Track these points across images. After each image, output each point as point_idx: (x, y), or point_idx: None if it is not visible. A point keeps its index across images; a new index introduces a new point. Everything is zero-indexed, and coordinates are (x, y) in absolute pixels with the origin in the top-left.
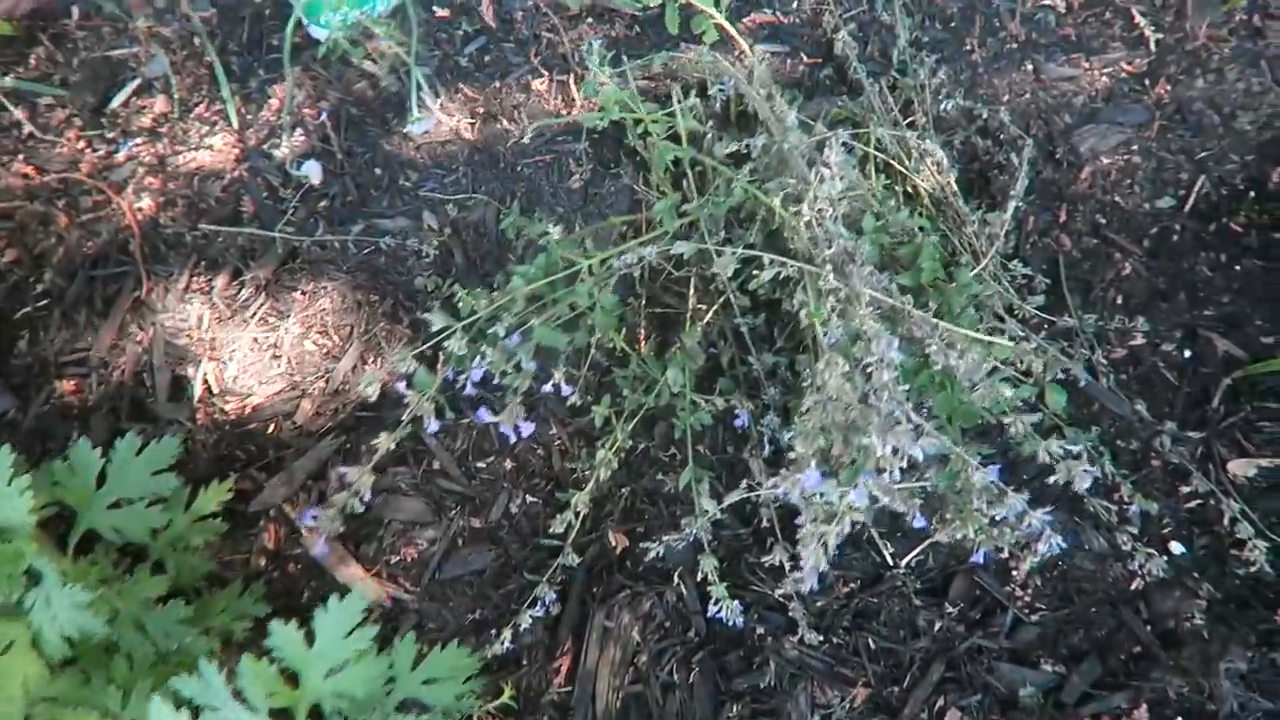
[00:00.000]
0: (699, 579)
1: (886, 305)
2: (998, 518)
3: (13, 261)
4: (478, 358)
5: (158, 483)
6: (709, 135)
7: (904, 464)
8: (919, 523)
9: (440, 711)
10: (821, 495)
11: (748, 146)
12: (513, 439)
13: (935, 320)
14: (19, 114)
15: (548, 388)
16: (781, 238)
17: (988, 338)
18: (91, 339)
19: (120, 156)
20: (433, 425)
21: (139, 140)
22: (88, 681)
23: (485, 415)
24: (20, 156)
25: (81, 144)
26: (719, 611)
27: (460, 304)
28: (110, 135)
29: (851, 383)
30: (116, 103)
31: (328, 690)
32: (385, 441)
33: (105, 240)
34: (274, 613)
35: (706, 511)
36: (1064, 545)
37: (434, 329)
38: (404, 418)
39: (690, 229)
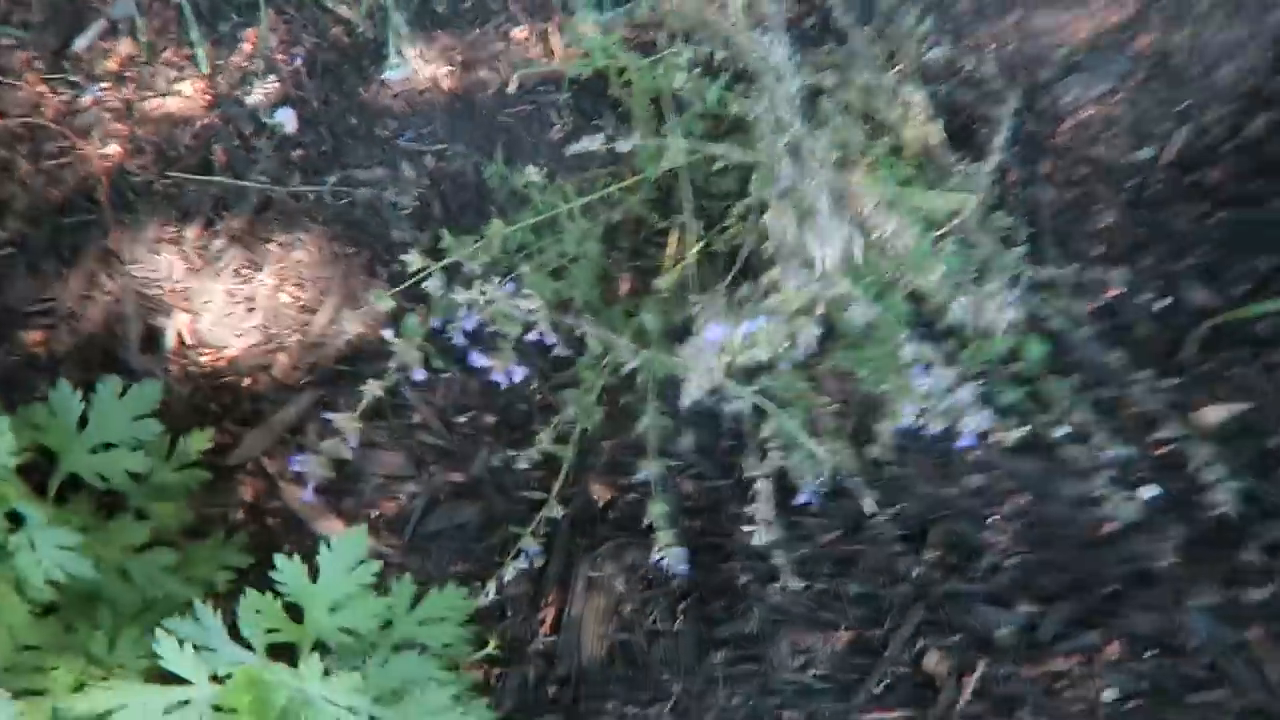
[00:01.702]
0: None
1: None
2: (926, 390)
3: None
4: (469, 307)
5: (139, 428)
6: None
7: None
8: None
9: (435, 653)
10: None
11: (728, 90)
12: (504, 384)
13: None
14: None
15: (532, 336)
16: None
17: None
18: (59, 289)
19: (85, 101)
20: (419, 374)
21: (104, 85)
22: (71, 629)
23: (478, 358)
24: None
25: (43, 88)
26: (662, 559)
27: (447, 247)
28: (74, 79)
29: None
30: (80, 46)
31: (331, 626)
32: (373, 388)
33: (71, 187)
34: (255, 565)
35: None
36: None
37: (412, 269)
38: (391, 365)
39: (672, 179)
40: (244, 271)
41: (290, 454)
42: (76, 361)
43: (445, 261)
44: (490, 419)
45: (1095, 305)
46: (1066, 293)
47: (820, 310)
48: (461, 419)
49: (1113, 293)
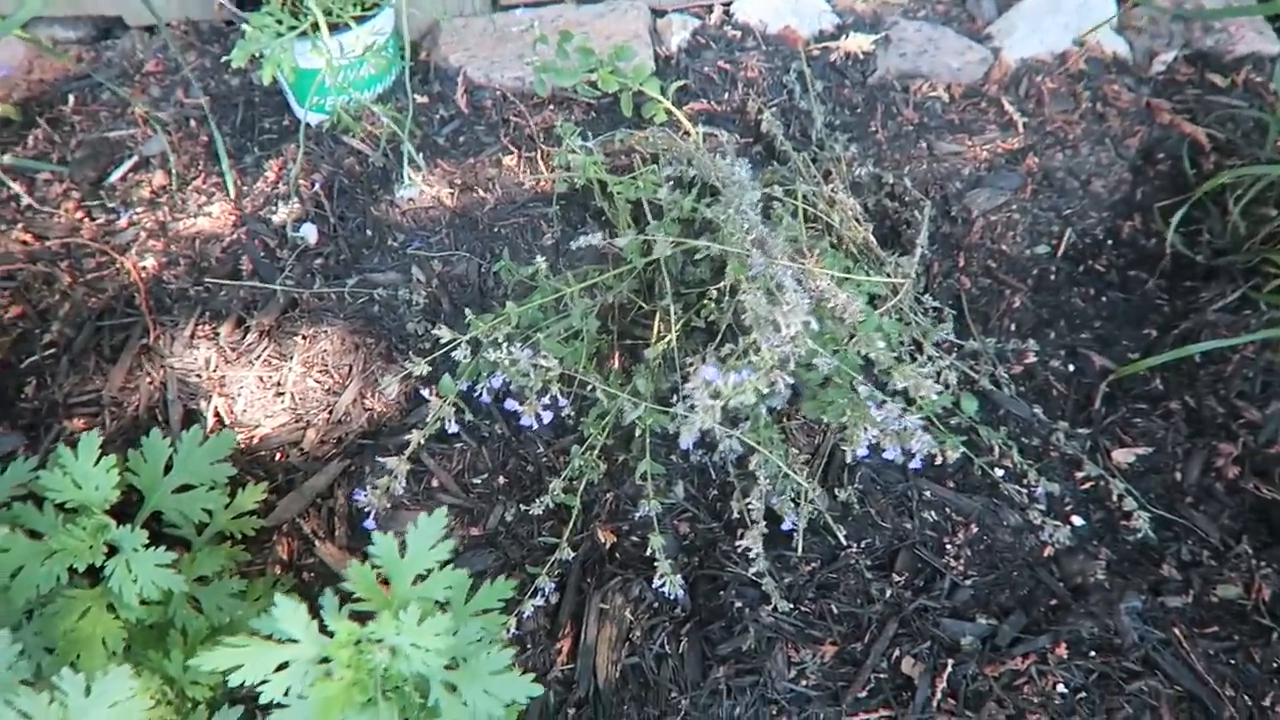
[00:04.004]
0: (671, 561)
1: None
2: (880, 419)
3: (17, 316)
4: (497, 369)
5: (216, 471)
6: (664, 190)
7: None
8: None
9: (488, 638)
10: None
11: (699, 201)
12: (534, 426)
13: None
14: (17, 188)
15: (545, 400)
16: (723, 271)
17: (860, 278)
18: (101, 381)
19: (122, 222)
20: (453, 427)
21: (139, 209)
22: (145, 654)
23: (513, 404)
24: (19, 225)
25: (80, 214)
26: (663, 586)
27: (470, 323)
28: (110, 205)
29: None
30: (115, 177)
31: (413, 595)
32: (417, 437)
33: (111, 295)
34: None
35: (662, 494)
36: (935, 448)
37: (443, 340)
38: (428, 419)
39: (654, 271)
40: (274, 361)
41: (320, 520)
42: (121, 443)
43: (470, 334)
44: (502, 480)
45: (1015, 371)
46: (989, 360)
47: (791, 366)
48: (476, 480)
49: (1028, 360)
